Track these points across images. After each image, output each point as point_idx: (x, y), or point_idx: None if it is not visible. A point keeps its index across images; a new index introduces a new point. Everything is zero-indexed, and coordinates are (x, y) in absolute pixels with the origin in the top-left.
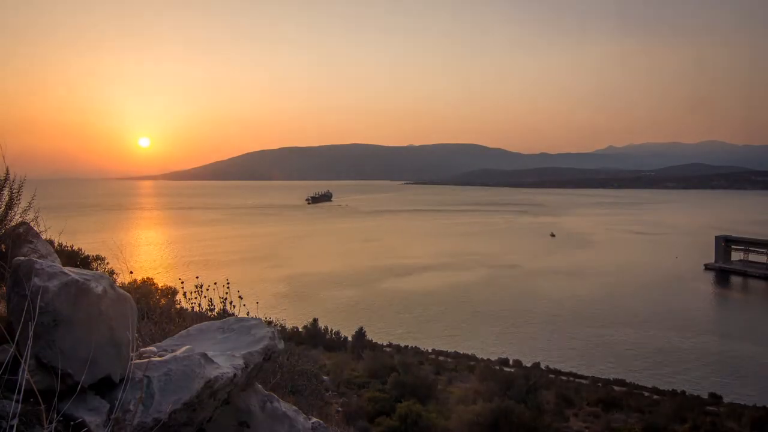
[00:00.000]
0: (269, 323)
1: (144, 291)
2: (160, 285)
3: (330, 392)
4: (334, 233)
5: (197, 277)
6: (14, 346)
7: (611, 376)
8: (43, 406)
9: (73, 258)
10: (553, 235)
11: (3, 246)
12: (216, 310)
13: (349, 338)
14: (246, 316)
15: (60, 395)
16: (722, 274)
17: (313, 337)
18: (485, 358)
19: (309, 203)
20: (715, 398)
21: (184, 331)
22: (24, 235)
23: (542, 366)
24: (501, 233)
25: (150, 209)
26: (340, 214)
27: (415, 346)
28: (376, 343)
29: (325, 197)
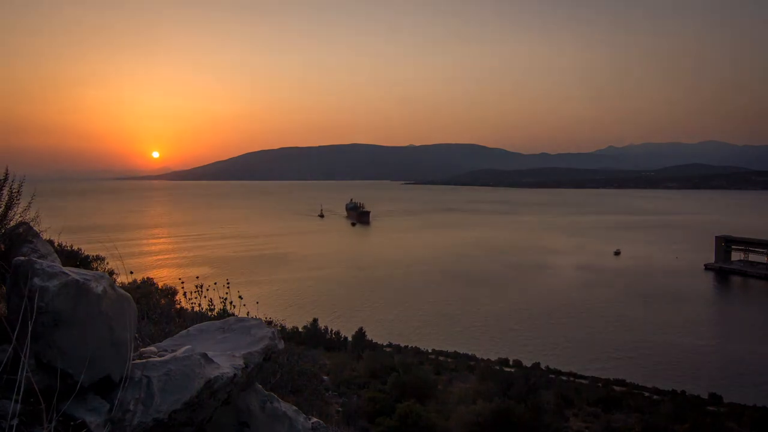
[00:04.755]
0: (269, 323)
1: (144, 291)
2: (160, 285)
3: (330, 392)
4: None
5: (197, 277)
6: (13, 345)
7: (611, 376)
8: (43, 406)
9: (73, 258)
10: (617, 253)
11: (3, 246)
12: (216, 310)
13: (349, 338)
14: (246, 316)
15: (60, 395)
16: (722, 274)
17: (313, 337)
18: (485, 358)
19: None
20: (715, 398)
21: (184, 331)
22: (24, 234)
23: (542, 366)
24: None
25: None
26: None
27: (415, 346)
28: (376, 343)
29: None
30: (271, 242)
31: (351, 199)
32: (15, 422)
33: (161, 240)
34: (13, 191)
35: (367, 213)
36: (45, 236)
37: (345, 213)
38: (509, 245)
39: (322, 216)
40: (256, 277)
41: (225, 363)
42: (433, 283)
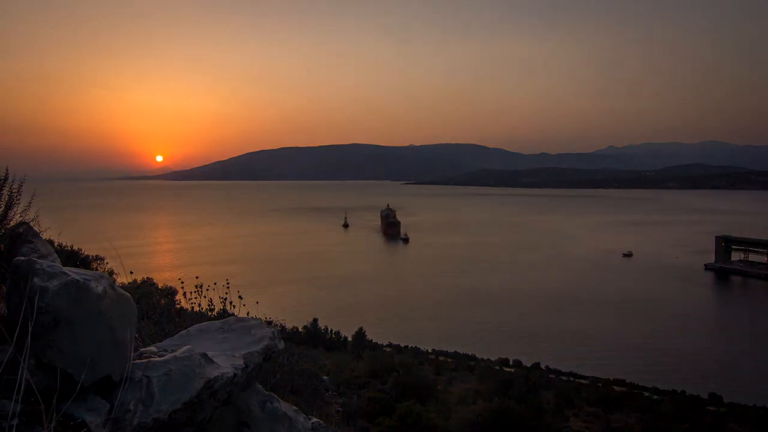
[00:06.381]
0: (269, 323)
1: (144, 291)
2: (160, 285)
3: (330, 392)
4: None
5: (197, 277)
6: (14, 346)
7: (611, 376)
8: (43, 406)
9: (73, 258)
10: (628, 254)
11: (3, 246)
12: (216, 310)
13: (349, 338)
14: (246, 316)
15: (60, 395)
16: (722, 274)
17: (313, 337)
18: (485, 358)
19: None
20: (715, 398)
21: (184, 331)
22: (24, 234)
23: (542, 366)
24: None
25: None
26: None
27: (415, 346)
28: (376, 343)
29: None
30: (280, 251)
31: (387, 205)
32: (15, 422)
33: (162, 240)
34: (13, 191)
35: (397, 224)
36: (45, 236)
37: (378, 222)
38: (514, 245)
39: (346, 226)
40: (258, 278)
41: (225, 363)
42: (438, 284)
